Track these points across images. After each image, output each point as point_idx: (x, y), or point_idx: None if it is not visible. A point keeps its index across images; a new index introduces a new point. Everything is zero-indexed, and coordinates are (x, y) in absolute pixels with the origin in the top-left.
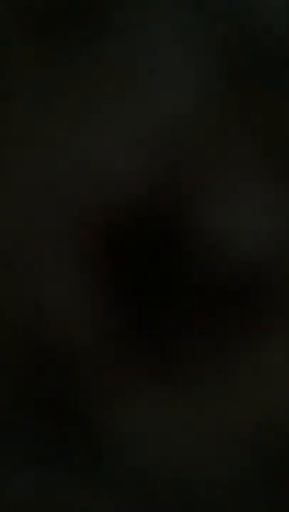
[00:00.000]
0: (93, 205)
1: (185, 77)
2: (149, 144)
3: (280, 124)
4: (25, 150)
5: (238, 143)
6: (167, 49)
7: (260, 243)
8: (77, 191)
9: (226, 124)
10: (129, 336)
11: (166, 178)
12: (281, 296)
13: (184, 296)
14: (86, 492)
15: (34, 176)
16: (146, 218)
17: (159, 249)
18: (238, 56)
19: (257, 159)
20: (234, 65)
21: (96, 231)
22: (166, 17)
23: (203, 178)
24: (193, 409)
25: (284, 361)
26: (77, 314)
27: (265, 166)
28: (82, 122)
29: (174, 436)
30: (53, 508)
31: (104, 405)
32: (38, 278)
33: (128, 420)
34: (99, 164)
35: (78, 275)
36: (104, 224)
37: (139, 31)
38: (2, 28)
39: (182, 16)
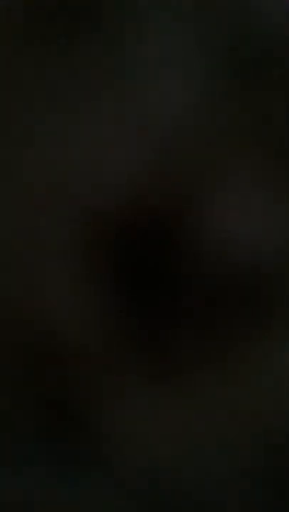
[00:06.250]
0: (93, 204)
1: (186, 77)
2: (149, 144)
3: (281, 124)
4: (25, 150)
5: (239, 143)
6: (168, 49)
7: (260, 243)
8: (77, 191)
9: (226, 124)
10: (129, 335)
11: (167, 178)
12: (282, 297)
13: (185, 296)
14: (86, 492)
15: (34, 175)
16: (147, 218)
17: (159, 248)
18: (239, 56)
19: (258, 159)
20: (235, 64)
21: (96, 231)
22: (167, 17)
23: (203, 178)
24: (193, 410)
25: (285, 362)
26: (77, 314)
27: (265, 166)
28: (82, 122)
29: (173, 436)
30: (53, 508)
31: (105, 406)
32: (38, 279)
33: (128, 420)
34: (99, 164)
35: (78, 276)
36: (104, 224)
37: (139, 31)
38: (2, 28)
39: (183, 15)
